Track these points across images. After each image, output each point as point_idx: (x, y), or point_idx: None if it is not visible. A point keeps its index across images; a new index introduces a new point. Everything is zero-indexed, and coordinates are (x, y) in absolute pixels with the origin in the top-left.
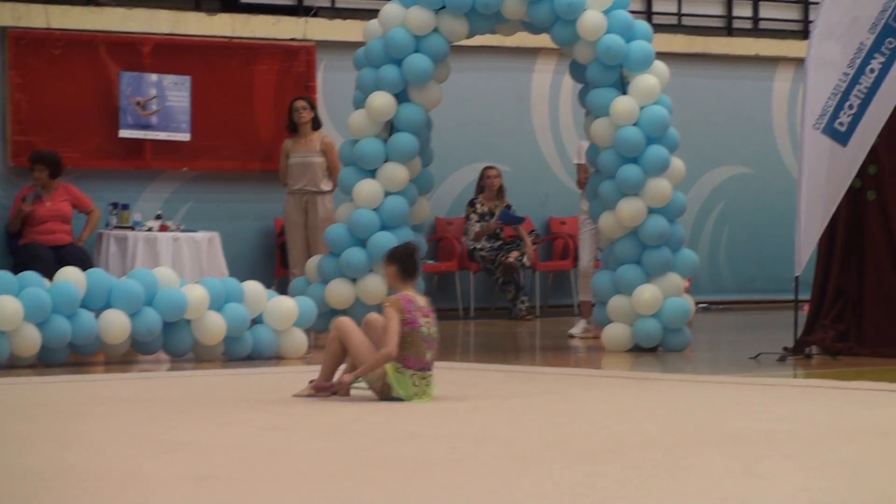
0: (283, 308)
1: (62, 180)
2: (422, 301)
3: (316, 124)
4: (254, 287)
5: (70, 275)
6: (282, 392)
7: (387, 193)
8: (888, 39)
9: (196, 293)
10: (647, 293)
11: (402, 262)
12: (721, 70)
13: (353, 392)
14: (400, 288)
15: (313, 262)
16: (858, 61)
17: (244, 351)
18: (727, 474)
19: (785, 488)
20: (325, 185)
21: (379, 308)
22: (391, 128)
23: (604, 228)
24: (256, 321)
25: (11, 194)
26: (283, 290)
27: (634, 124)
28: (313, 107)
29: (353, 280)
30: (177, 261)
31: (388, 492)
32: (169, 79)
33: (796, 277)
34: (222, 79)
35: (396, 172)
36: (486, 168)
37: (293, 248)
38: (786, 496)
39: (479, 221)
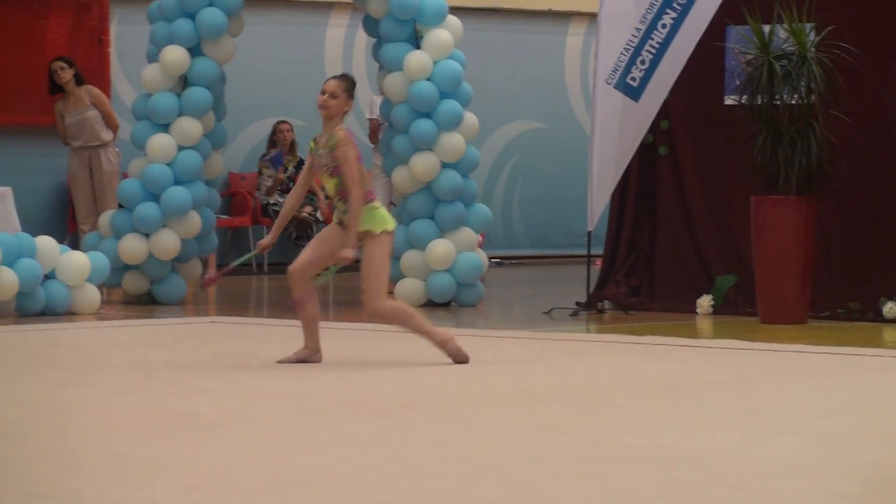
0: (76, 263)
1: None
2: None
3: (79, 80)
4: (46, 242)
5: None
6: (72, 348)
7: (180, 148)
8: None
9: None
10: (441, 248)
11: (352, 84)
12: (514, 24)
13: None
14: (342, 117)
15: (106, 216)
16: (650, 17)
17: (37, 307)
18: (519, 429)
19: (577, 443)
20: (106, 136)
21: None
22: (185, 82)
23: (397, 183)
24: (49, 276)
25: None
26: (75, 245)
27: (428, 79)
28: (72, 64)
29: (147, 235)
30: None
31: (179, 449)
32: None
33: (589, 232)
34: (13, 32)
35: (190, 127)
36: (279, 122)
37: (80, 204)
38: (578, 450)
39: (271, 176)
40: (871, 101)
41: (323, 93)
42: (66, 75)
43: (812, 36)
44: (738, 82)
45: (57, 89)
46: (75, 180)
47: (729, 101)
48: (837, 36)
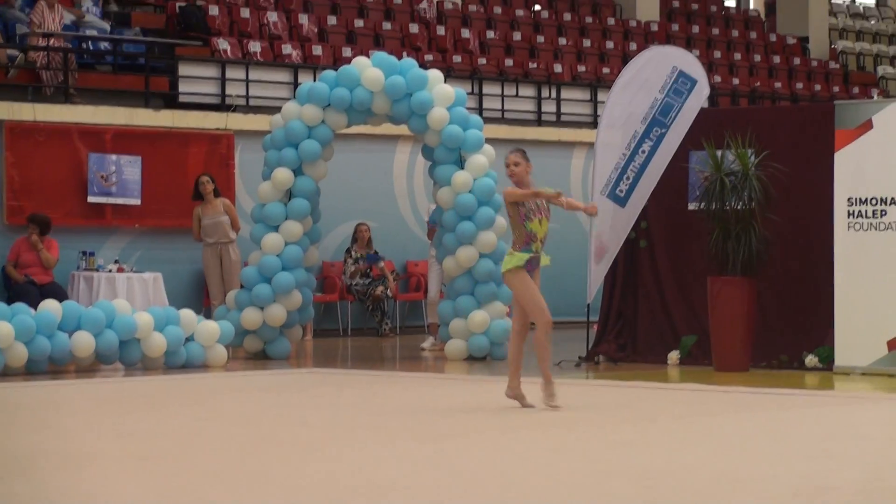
0: (209, 329)
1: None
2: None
3: (216, 193)
4: (187, 314)
5: (50, 305)
6: (206, 392)
7: (286, 243)
8: (655, 128)
9: (144, 318)
10: (479, 317)
11: (525, 153)
12: (533, 151)
13: None
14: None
15: (232, 294)
16: (633, 145)
17: (180, 361)
18: (524, 450)
19: (582, 461)
20: (232, 235)
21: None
22: (290, 194)
23: (447, 269)
24: (189, 339)
25: (7, 245)
26: (208, 316)
27: (469, 192)
28: (213, 180)
29: (261, 308)
30: (130, 295)
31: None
32: (125, 158)
33: (588, 304)
34: (165, 158)
35: (293, 228)
36: (359, 224)
37: (213, 286)
38: (585, 466)
39: (354, 264)
40: (796, 206)
41: (507, 165)
42: (209, 187)
43: (753, 158)
44: (697, 193)
45: (198, 197)
46: (209, 268)
47: (691, 206)
48: (771, 158)
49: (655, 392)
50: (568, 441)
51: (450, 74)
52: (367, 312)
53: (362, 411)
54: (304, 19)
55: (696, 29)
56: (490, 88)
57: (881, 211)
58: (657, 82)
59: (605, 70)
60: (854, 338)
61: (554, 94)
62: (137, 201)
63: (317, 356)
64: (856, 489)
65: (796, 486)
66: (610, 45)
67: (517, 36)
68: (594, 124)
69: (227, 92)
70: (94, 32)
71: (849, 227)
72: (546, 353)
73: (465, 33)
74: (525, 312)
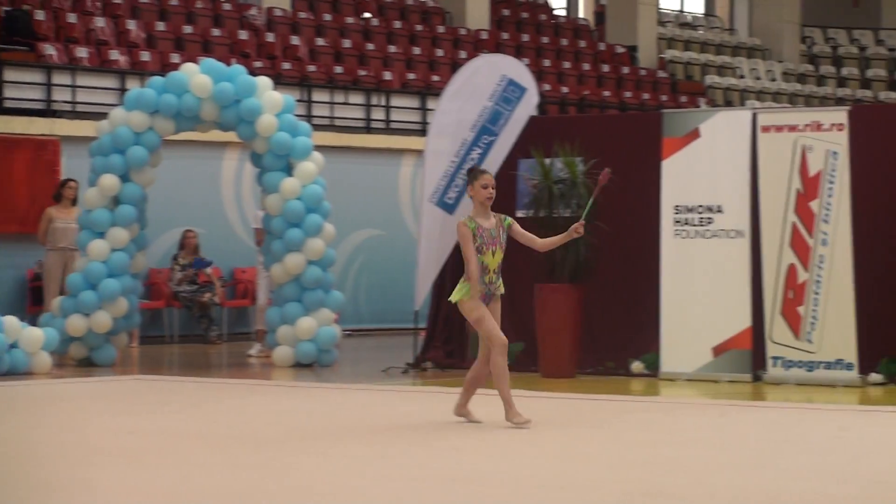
0: (33, 336)
1: None
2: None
3: (75, 201)
4: (10, 320)
5: None
6: (29, 399)
7: (112, 250)
8: (484, 136)
9: None
10: (306, 323)
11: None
12: (362, 158)
13: None
14: None
15: (57, 301)
16: (463, 152)
17: (3, 369)
18: (351, 459)
19: (411, 467)
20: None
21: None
22: (116, 201)
23: (274, 276)
24: (13, 346)
25: None
26: (33, 323)
27: (298, 198)
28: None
29: (87, 315)
30: None
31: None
32: None
33: (415, 311)
34: None
35: (120, 234)
36: (186, 231)
37: (51, 293)
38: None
39: (181, 271)
40: (624, 214)
41: (486, 187)
42: (73, 193)
43: (581, 166)
44: (526, 200)
45: (58, 199)
46: (51, 273)
47: (520, 213)
48: (599, 166)
49: (481, 399)
50: (395, 448)
51: (279, 81)
52: (195, 319)
53: (187, 419)
54: (131, 25)
55: (525, 37)
56: (319, 95)
57: (707, 219)
58: (486, 90)
59: (435, 78)
60: (679, 344)
61: (383, 102)
62: None
63: (143, 363)
64: (682, 493)
65: (623, 491)
66: (440, 52)
67: (347, 43)
68: (423, 132)
69: (53, 98)
70: None
71: (675, 234)
72: (504, 376)
73: (295, 40)
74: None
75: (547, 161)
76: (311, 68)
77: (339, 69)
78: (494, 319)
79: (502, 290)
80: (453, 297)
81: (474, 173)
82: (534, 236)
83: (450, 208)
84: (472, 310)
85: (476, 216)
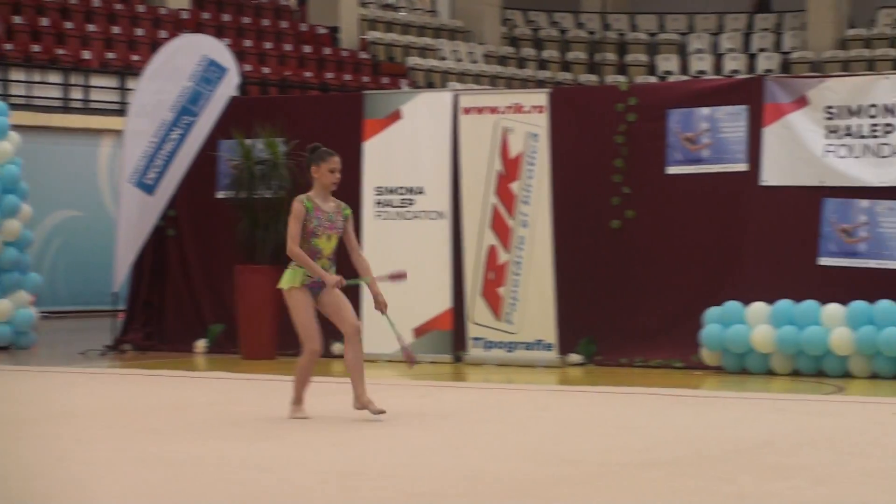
0: None
1: None
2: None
3: None
4: None
5: None
6: None
7: None
8: (184, 117)
9: None
10: (2, 306)
11: None
12: (61, 138)
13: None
14: None
15: None
16: (162, 132)
17: None
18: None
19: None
20: None
21: None
22: None
23: None
24: None
25: None
26: None
27: None
28: None
29: None
30: None
31: None
32: None
33: (114, 293)
34: None
35: None
36: None
37: None
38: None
39: None
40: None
41: (334, 171)
42: None
43: (282, 147)
44: (227, 182)
45: None
46: None
47: (220, 195)
48: (302, 147)
49: (181, 380)
50: (92, 436)
51: None
52: None
53: None
54: None
55: (227, 17)
56: (16, 74)
57: (408, 200)
58: (187, 70)
59: (135, 57)
60: (381, 325)
61: (82, 81)
62: None
63: None
64: (382, 473)
65: (321, 471)
66: (140, 32)
67: (45, 21)
68: (123, 112)
69: None
70: None
71: (376, 215)
72: (305, 377)
73: None
74: (343, 321)
75: (248, 142)
76: (8, 46)
77: (36, 48)
78: (336, 304)
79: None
80: (282, 285)
81: (321, 154)
82: (357, 246)
83: (149, 189)
84: (296, 302)
85: (315, 197)
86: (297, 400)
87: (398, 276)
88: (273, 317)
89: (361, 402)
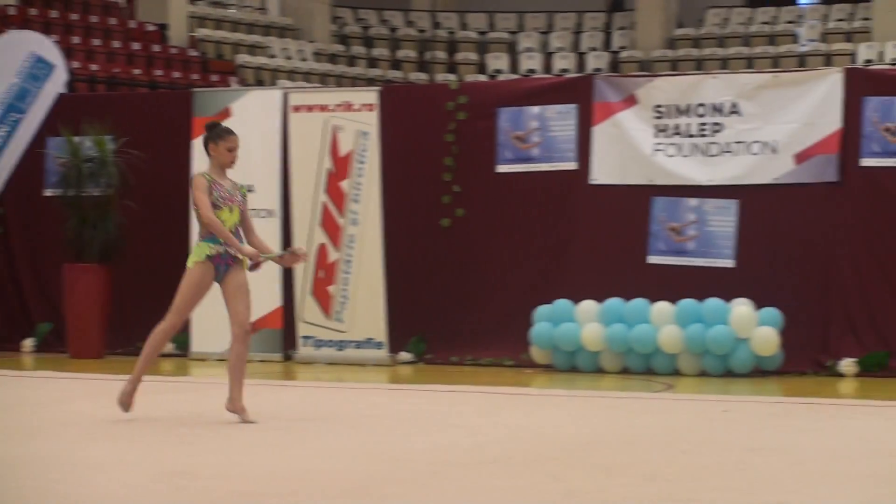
0: None
1: None
2: None
3: None
4: None
5: None
6: None
7: None
8: (11, 114)
9: None
10: None
11: None
12: None
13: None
14: None
15: None
16: None
17: None
18: None
19: None
20: None
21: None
22: None
23: None
24: None
25: None
26: None
27: None
28: None
29: None
30: None
31: None
32: None
33: None
34: None
35: None
36: None
37: None
38: None
39: None
40: (155, 193)
41: (232, 150)
42: None
43: (111, 144)
44: (55, 179)
45: None
46: None
47: (49, 193)
48: (130, 144)
49: (8, 380)
50: None
51: None
52: None
53: None
54: None
55: (54, 14)
56: None
57: None
58: (13, 67)
59: None
60: (209, 324)
61: None
62: None
63: None
64: (213, 473)
65: (153, 472)
66: None
67: None
68: None
69: None
70: None
71: None
72: (157, 348)
73: None
74: (234, 311)
75: (76, 139)
76: None
77: None
78: (236, 292)
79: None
80: (188, 262)
81: (219, 132)
82: (253, 227)
83: None
84: (190, 277)
85: (212, 173)
86: (135, 379)
87: (296, 258)
88: (102, 315)
89: (234, 406)
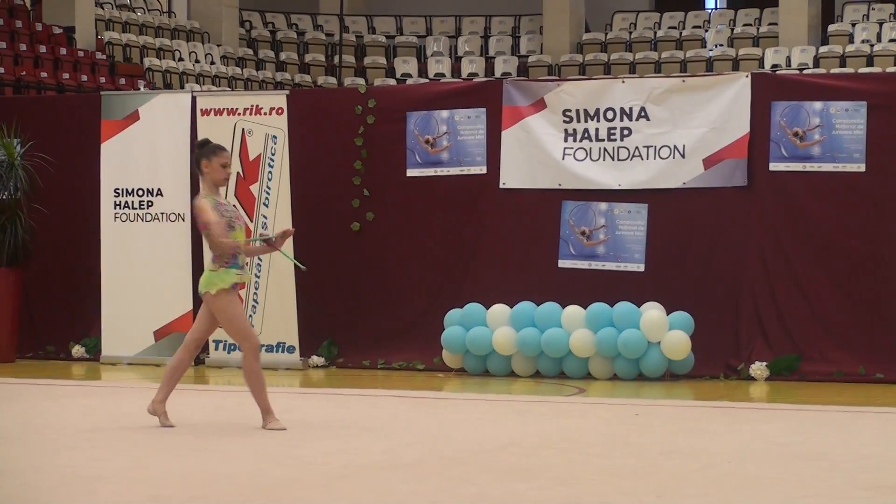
0: None
1: None
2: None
3: None
4: None
5: None
6: None
7: None
8: None
9: None
10: None
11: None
12: None
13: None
14: None
15: None
16: None
17: None
18: None
19: None
20: None
21: None
22: None
23: None
24: None
25: None
26: None
27: None
28: None
29: None
30: None
31: None
32: None
33: None
34: None
35: None
36: None
37: None
38: None
39: None
40: (64, 197)
41: (226, 166)
42: None
43: (19, 148)
44: None
45: None
46: None
47: None
48: (38, 148)
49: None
50: None
51: None
52: None
53: None
54: None
55: None
56: None
57: (147, 202)
58: None
59: None
60: (121, 328)
61: None
62: None
63: None
64: (118, 477)
65: (62, 475)
66: None
67: None
68: None
69: None
70: None
71: (115, 217)
72: (259, 379)
73: None
74: (207, 330)
75: None
76: None
77: None
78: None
79: (248, 278)
80: (207, 287)
81: (212, 149)
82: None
83: None
84: (227, 305)
85: (210, 194)
86: (266, 409)
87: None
88: (12, 319)
89: (265, 417)
